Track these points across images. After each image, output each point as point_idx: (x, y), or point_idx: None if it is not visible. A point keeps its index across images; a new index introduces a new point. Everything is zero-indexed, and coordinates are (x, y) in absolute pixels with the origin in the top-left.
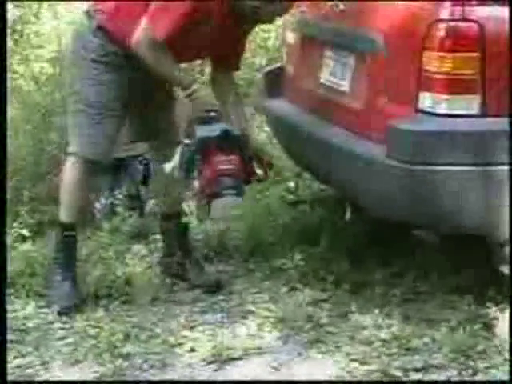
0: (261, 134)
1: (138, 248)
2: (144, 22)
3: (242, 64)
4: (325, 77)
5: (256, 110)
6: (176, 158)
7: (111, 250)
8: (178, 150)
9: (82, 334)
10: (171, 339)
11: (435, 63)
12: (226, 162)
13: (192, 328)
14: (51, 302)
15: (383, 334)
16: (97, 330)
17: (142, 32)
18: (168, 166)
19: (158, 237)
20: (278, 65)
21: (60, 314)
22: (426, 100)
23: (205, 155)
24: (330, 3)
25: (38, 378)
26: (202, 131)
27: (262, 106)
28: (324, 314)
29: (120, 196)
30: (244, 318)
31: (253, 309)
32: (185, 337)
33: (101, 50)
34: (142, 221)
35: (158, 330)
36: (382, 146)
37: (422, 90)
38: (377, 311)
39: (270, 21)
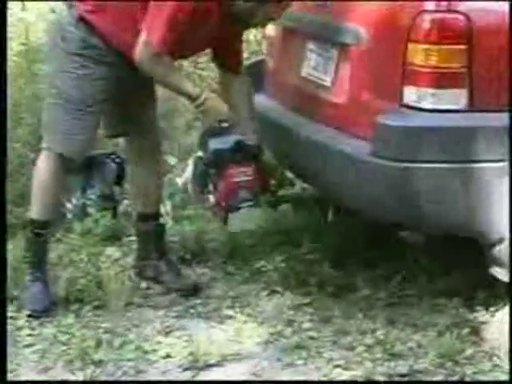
0: None
1: (111, 250)
2: (143, 35)
3: None
4: (307, 71)
5: None
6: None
7: (83, 253)
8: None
9: (52, 341)
10: (145, 345)
11: (420, 56)
12: (241, 174)
13: (167, 333)
14: (21, 304)
15: (367, 339)
16: (67, 336)
17: (142, 47)
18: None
19: (132, 239)
20: (259, 58)
21: (30, 317)
22: (410, 94)
23: (219, 168)
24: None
25: None
26: (215, 143)
27: None
28: (306, 318)
29: (92, 196)
30: (222, 322)
31: (231, 313)
32: (160, 343)
33: (81, 43)
34: (115, 222)
35: (131, 336)
36: (366, 143)
37: (407, 84)
38: (361, 315)
39: (264, 24)
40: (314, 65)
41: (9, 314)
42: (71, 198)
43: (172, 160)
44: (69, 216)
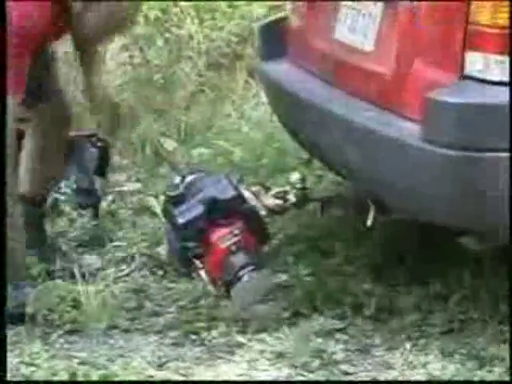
0: (258, 108)
1: (91, 259)
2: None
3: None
4: (341, 32)
5: (251, 76)
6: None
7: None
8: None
9: (14, 373)
10: (133, 379)
11: (487, 14)
12: (227, 236)
13: (160, 366)
14: None
15: (417, 375)
16: (32, 368)
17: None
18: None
19: (118, 244)
20: (281, 16)
21: None
22: (474, 63)
23: (199, 238)
24: None
25: None
26: (182, 215)
27: (259, 69)
28: (338, 347)
29: (67, 190)
30: (231, 352)
31: (243, 340)
32: (151, 377)
33: None
34: (96, 223)
35: (114, 369)
36: (416, 124)
37: (470, 50)
38: (408, 345)
39: None
40: (350, 25)
41: None
42: None
43: (170, 144)
44: None
